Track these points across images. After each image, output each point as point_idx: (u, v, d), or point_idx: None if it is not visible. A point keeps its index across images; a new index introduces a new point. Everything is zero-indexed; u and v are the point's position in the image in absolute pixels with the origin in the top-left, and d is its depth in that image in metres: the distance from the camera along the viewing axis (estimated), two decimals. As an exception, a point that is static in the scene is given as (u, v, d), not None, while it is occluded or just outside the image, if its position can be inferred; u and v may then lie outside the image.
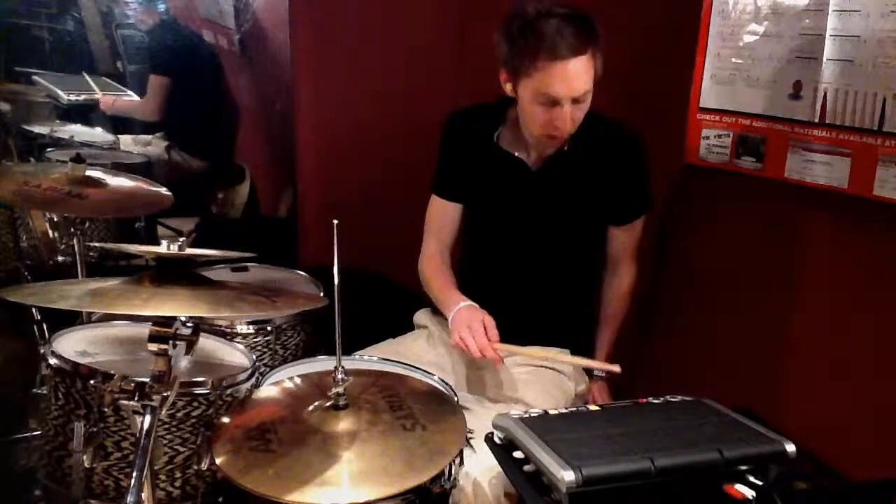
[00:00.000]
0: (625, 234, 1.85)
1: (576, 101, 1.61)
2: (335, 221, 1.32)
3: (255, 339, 1.81)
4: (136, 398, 1.16)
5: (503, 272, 1.87)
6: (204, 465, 1.41)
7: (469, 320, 1.68)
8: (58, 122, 3.04)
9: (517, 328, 1.79)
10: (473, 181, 1.87)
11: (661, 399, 1.42)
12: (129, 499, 1.11)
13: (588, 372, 1.90)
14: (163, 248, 1.25)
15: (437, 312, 1.96)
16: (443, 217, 1.92)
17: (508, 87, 1.70)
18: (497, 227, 1.87)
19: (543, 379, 1.79)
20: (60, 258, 2.35)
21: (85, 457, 1.38)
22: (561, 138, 1.70)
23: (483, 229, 1.91)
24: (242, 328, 1.79)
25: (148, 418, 1.15)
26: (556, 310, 1.87)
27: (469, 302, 1.75)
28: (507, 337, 1.79)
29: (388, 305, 2.02)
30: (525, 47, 1.59)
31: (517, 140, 1.79)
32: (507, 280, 1.87)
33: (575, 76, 1.58)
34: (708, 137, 1.86)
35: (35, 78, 3.00)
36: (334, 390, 1.30)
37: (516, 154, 1.80)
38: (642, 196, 1.83)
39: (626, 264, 1.88)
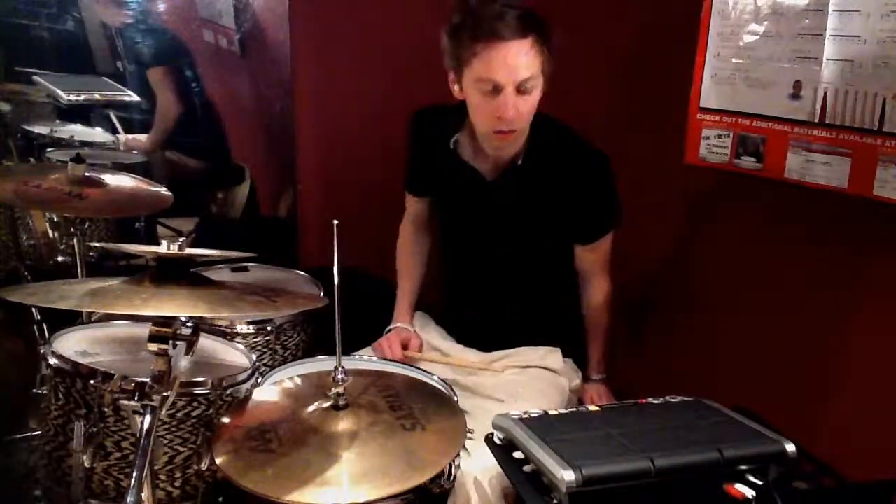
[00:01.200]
0: (591, 253, 1.82)
1: (520, 90, 1.56)
2: (335, 221, 1.32)
3: (255, 339, 1.81)
4: (136, 398, 1.16)
5: (475, 276, 1.90)
6: (204, 465, 1.41)
7: (387, 339, 1.87)
8: (58, 122, 3.04)
9: (499, 330, 1.80)
10: (435, 182, 1.89)
11: (661, 399, 1.42)
12: (129, 499, 1.11)
13: (584, 375, 1.90)
14: (163, 248, 1.25)
15: (432, 314, 2.00)
16: (415, 208, 2.01)
17: (457, 90, 1.67)
18: (460, 233, 1.89)
19: (539, 379, 1.79)
20: (60, 258, 2.36)
21: (85, 457, 1.38)
22: (509, 135, 1.63)
23: (450, 233, 1.94)
24: (242, 328, 1.79)
25: (148, 418, 1.15)
26: (533, 313, 1.87)
27: (401, 325, 1.92)
28: (494, 340, 1.80)
29: (388, 305, 2.03)
30: (466, 35, 1.56)
31: (474, 149, 1.76)
32: (479, 284, 1.89)
33: (515, 59, 1.53)
34: (708, 137, 1.85)
35: (35, 78, 3.00)
36: (334, 390, 1.30)
37: (472, 164, 1.77)
38: (606, 214, 1.79)
39: (598, 279, 1.85)
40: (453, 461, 1.32)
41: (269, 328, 1.81)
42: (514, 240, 1.80)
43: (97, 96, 3.05)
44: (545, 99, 1.74)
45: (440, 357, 1.86)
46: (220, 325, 1.78)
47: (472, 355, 1.86)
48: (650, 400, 1.42)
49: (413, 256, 2.01)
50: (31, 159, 2.81)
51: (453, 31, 1.61)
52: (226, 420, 1.36)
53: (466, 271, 1.92)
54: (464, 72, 1.60)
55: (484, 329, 1.85)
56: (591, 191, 1.73)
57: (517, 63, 1.54)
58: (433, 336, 1.93)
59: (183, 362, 1.20)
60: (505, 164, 1.74)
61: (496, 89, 1.56)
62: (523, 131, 1.68)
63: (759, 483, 1.19)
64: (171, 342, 1.15)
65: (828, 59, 1.58)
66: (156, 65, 3.07)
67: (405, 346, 1.85)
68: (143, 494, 1.13)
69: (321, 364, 1.65)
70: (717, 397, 1.43)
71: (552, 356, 1.83)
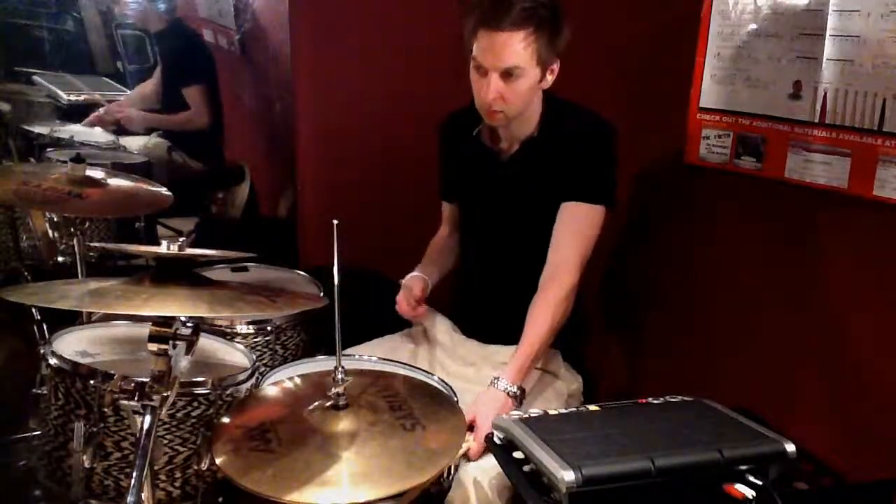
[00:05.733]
0: (566, 218, 1.71)
1: (505, 75, 1.62)
2: (335, 221, 1.32)
3: (255, 339, 1.81)
4: (136, 398, 1.16)
5: (490, 266, 1.89)
6: (204, 465, 1.41)
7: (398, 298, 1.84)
8: (58, 122, 3.04)
9: (508, 324, 1.79)
10: (462, 180, 1.92)
11: (661, 399, 1.42)
12: (129, 499, 1.11)
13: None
14: (163, 248, 1.25)
15: (432, 314, 1.99)
16: (448, 214, 2.03)
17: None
18: (477, 220, 1.91)
19: (538, 381, 1.78)
20: (60, 258, 2.36)
21: (85, 457, 1.38)
22: (497, 114, 1.67)
23: (468, 224, 1.95)
24: (242, 328, 1.79)
25: (148, 418, 1.15)
26: None
27: (414, 274, 1.88)
28: (501, 333, 1.79)
29: (388, 305, 2.02)
30: (473, 18, 1.63)
31: (493, 133, 1.82)
32: (494, 274, 1.88)
33: (502, 48, 1.59)
34: (708, 137, 1.86)
35: (35, 78, 3.01)
36: (334, 390, 1.30)
37: (491, 147, 1.83)
38: (596, 182, 1.71)
39: (563, 272, 1.68)
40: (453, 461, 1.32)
41: (268, 328, 1.81)
42: (523, 222, 1.80)
43: (97, 96, 3.06)
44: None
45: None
46: (220, 325, 1.78)
47: (472, 347, 1.85)
48: (650, 400, 1.42)
49: (442, 246, 2.01)
50: (31, 159, 2.82)
51: (467, 13, 1.66)
52: (226, 420, 1.36)
53: (478, 260, 1.92)
54: (470, 48, 1.67)
55: (488, 319, 1.85)
56: (590, 154, 1.72)
57: (503, 52, 1.60)
58: (439, 329, 1.92)
59: (183, 362, 1.20)
60: (520, 142, 1.78)
61: (484, 71, 1.64)
62: (517, 114, 1.71)
63: (759, 483, 1.19)
64: (171, 342, 1.15)
65: (828, 59, 1.58)
66: (194, 83, 3.10)
67: (415, 297, 1.82)
68: (143, 494, 1.13)
69: (321, 364, 1.65)
70: (717, 397, 1.43)
71: (553, 359, 1.82)
